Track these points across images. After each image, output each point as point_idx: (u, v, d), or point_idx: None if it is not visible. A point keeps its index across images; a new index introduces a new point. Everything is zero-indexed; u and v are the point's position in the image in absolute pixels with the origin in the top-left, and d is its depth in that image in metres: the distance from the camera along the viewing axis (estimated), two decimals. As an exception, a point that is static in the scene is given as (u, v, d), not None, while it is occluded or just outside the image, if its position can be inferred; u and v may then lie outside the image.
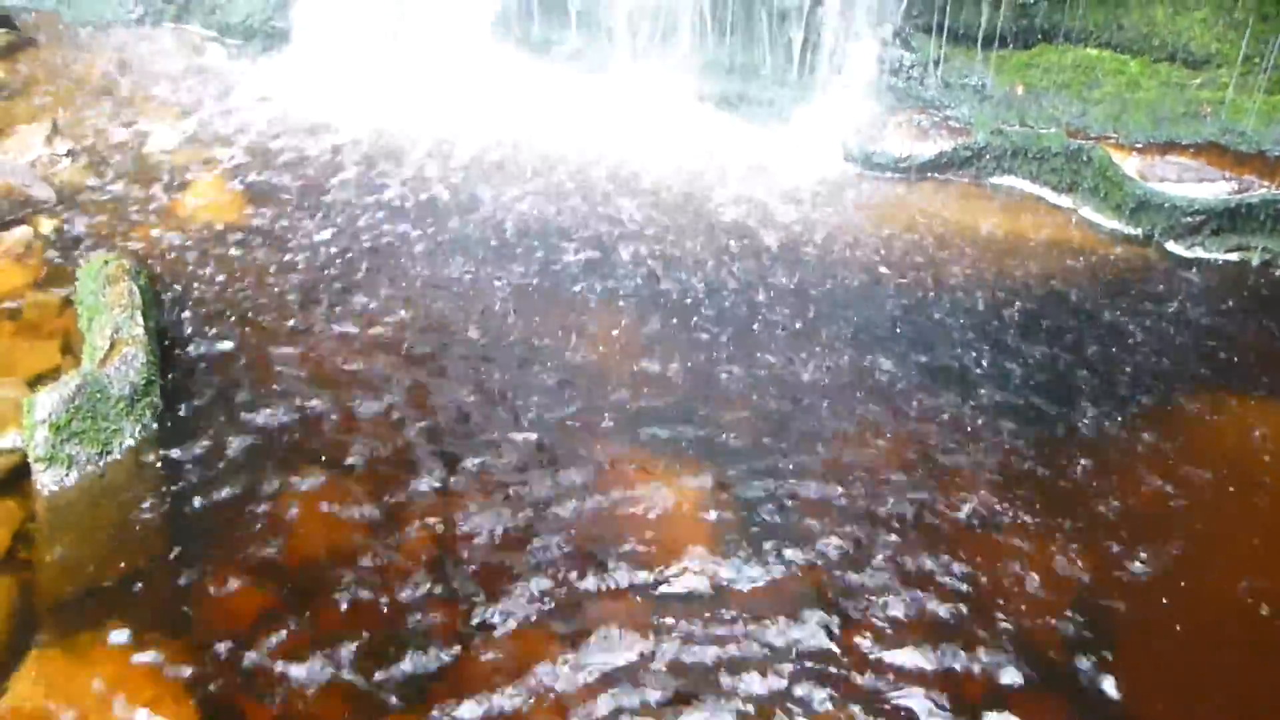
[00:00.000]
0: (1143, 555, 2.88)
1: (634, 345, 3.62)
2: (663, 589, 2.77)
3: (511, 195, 4.43)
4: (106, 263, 3.65)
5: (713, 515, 2.98)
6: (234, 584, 2.75)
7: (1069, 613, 2.73)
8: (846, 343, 3.65)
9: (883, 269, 4.02)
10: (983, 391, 3.44)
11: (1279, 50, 4.18)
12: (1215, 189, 4.15)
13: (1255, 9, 4.17)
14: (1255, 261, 4.10)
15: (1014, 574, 2.82)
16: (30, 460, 3.05)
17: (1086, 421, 3.33)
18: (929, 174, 4.56)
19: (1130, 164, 4.26)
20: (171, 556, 2.83)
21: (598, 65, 5.20)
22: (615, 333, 3.67)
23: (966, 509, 3.01)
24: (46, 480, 3.02)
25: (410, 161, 4.65)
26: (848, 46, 4.73)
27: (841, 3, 4.69)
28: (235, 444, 3.16)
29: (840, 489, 3.07)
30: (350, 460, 3.13)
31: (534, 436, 3.23)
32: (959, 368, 3.54)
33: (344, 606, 2.70)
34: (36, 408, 3.05)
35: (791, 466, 3.14)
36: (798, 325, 3.73)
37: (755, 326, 3.72)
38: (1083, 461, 3.17)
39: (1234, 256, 4.15)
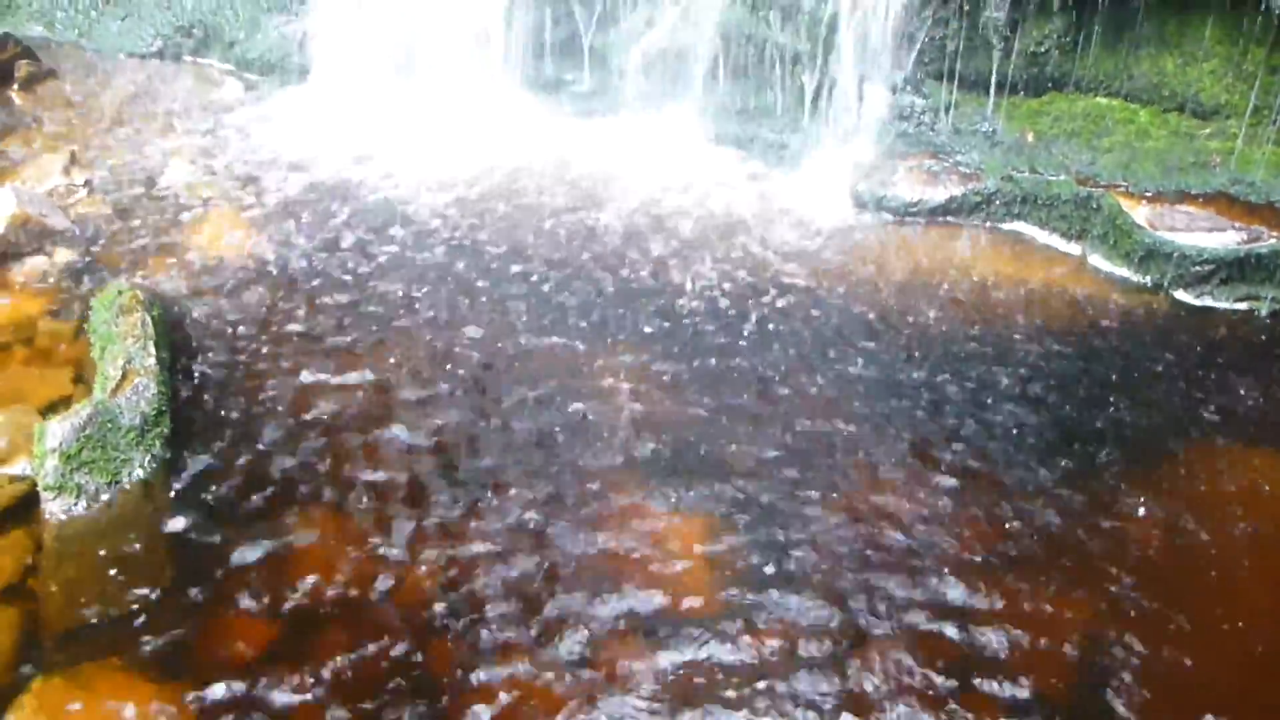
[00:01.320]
0: (1147, 606, 2.87)
1: (641, 385, 3.63)
2: (667, 636, 2.76)
3: (522, 234, 4.45)
4: (120, 293, 3.68)
5: (716, 557, 2.97)
6: (238, 618, 2.75)
7: (1074, 665, 2.71)
8: (853, 387, 3.66)
9: (891, 314, 4.03)
10: (988, 438, 3.43)
11: (1288, 102, 4.22)
12: (1224, 238, 4.16)
13: (1264, 61, 4.21)
14: (1264, 311, 4.11)
15: (1019, 627, 2.81)
16: (39, 489, 3.06)
17: (1092, 470, 3.32)
18: (939, 219, 4.59)
19: (1140, 212, 4.28)
20: (177, 588, 2.83)
21: (610, 106, 5.25)
22: (622, 372, 3.68)
23: (970, 557, 3.00)
24: (55, 509, 3.02)
25: (424, 198, 4.68)
26: (859, 91, 4.77)
27: (853, 48, 4.74)
28: (243, 477, 3.17)
29: (843, 535, 3.06)
30: (357, 496, 3.13)
31: (540, 475, 3.23)
32: (964, 414, 3.54)
33: (347, 644, 2.70)
34: (47, 436, 3.07)
35: (795, 510, 3.13)
36: (805, 367, 3.74)
37: (762, 369, 3.72)
38: (1087, 510, 3.17)
39: (1243, 306, 4.16)
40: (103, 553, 2.92)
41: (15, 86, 5.75)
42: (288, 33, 5.83)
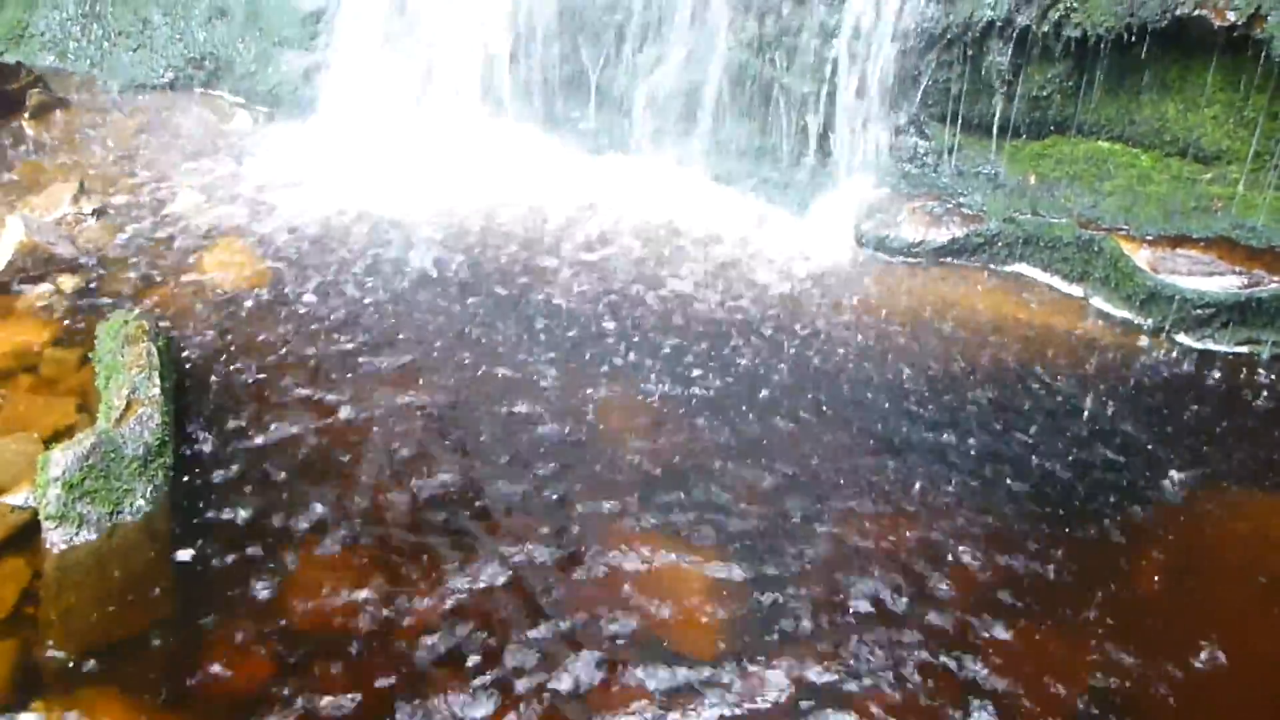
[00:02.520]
0: (1149, 655, 2.86)
1: (641, 420, 3.64)
2: (667, 681, 2.75)
3: (526, 271, 4.48)
4: (126, 323, 3.70)
5: (720, 603, 2.97)
6: (237, 652, 2.75)
7: (1075, 716, 2.71)
8: (851, 424, 3.67)
9: (892, 355, 4.05)
10: (986, 478, 3.44)
11: (1289, 148, 4.25)
12: (1225, 283, 4.18)
13: (1265, 108, 4.24)
14: (1265, 355, 4.12)
15: (1016, 673, 2.80)
16: (41, 517, 3.07)
17: (1093, 513, 3.32)
18: (942, 259, 4.61)
19: (1141, 256, 4.30)
20: (177, 619, 2.83)
21: (617, 143, 5.29)
22: (623, 406, 3.69)
23: (973, 604, 3.00)
24: (56, 538, 3.03)
25: (429, 233, 4.72)
26: (863, 132, 4.81)
27: (857, 90, 4.78)
28: (245, 509, 3.18)
29: (842, 577, 3.06)
30: (360, 530, 3.14)
31: (543, 510, 3.24)
32: (963, 453, 3.55)
33: (345, 678, 2.70)
34: (51, 465, 3.08)
35: (796, 553, 3.13)
36: (805, 404, 3.75)
37: (763, 404, 3.74)
38: (1087, 555, 3.17)
39: (1244, 349, 4.17)
40: (103, 582, 2.92)
41: (26, 115, 5.81)
42: (298, 66, 5.88)
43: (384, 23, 5.66)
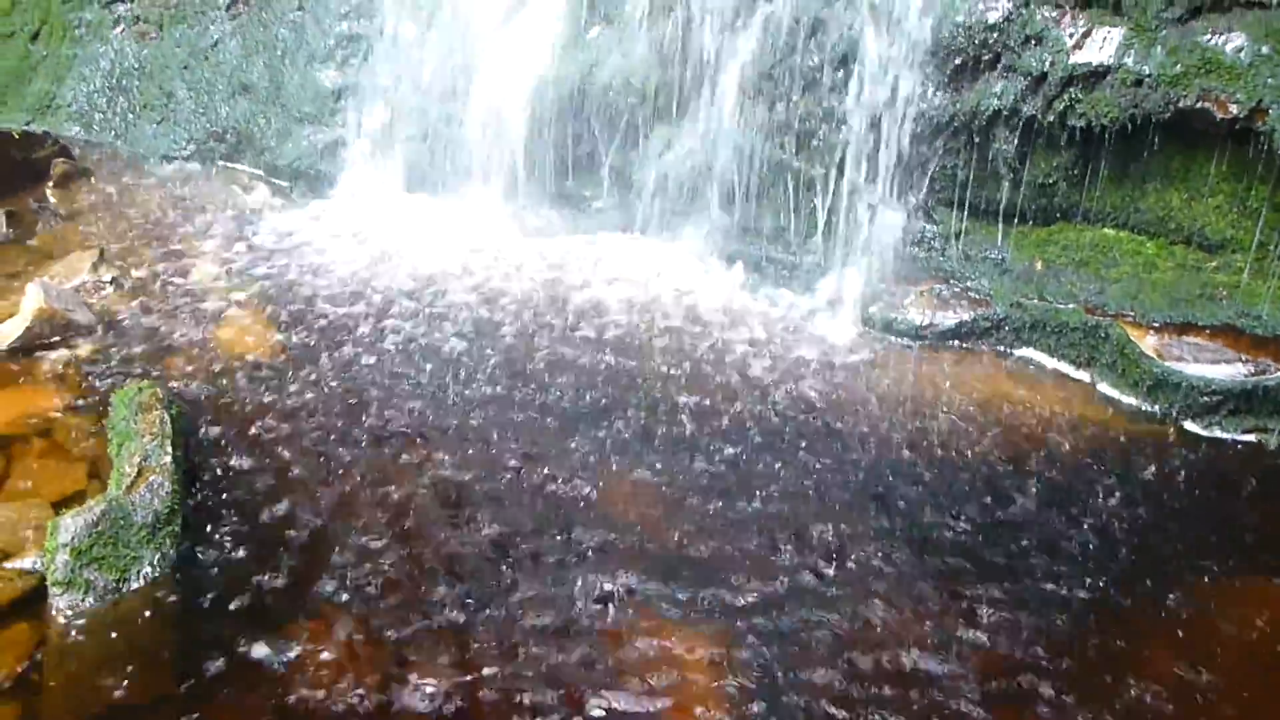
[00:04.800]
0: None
1: (647, 499, 3.65)
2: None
3: (536, 349, 4.53)
4: (140, 390, 3.74)
5: (724, 681, 2.96)
6: (240, 721, 2.74)
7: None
8: (856, 508, 3.67)
9: (897, 438, 4.07)
10: (992, 568, 3.43)
11: (1293, 238, 4.30)
12: (1231, 370, 4.21)
13: (1268, 199, 4.30)
14: (1272, 444, 4.12)
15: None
16: (48, 583, 3.07)
17: (1103, 604, 3.30)
18: (949, 343, 4.65)
19: (1147, 342, 4.33)
20: (180, 689, 2.82)
21: (628, 223, 5.37)
22: (628, 487, 3.71)
23: (980, 688, 2.98)
24: (62, 605, 3.04)
25: (443, 307, 4.78)
26: (872, 216, 4.88)
27: (866, 173, 4.86)
28: (252, 580, 3.18)
29: (847, 657, 3.05)
30: (365, 603, 3.14)
31: (550, 584, 3.24)
32: (969, 541, 3.54)
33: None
34: (60, 531, 3.10)
35: (800, 634, 3.12)
36: (811, 485, 3.76)
37: (770, 487, 3.75)
38: (1093, 645, 3.15)
39: (1251, 437, 4.17)
40: (108, 651, 2.92)
41: (50, 184, 5.91)
42: (318, 142, 6.00)
43: (401, 101, 5.80)
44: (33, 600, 3.07)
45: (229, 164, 6.28)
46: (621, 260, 5.22)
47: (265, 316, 4.63)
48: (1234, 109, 4.17)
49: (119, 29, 6.78)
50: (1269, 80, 4.10)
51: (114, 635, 2.97)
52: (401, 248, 5.27)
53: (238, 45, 6.42)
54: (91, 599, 3.06)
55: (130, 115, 6.58)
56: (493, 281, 5.02)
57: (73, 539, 3.07)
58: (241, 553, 3.29)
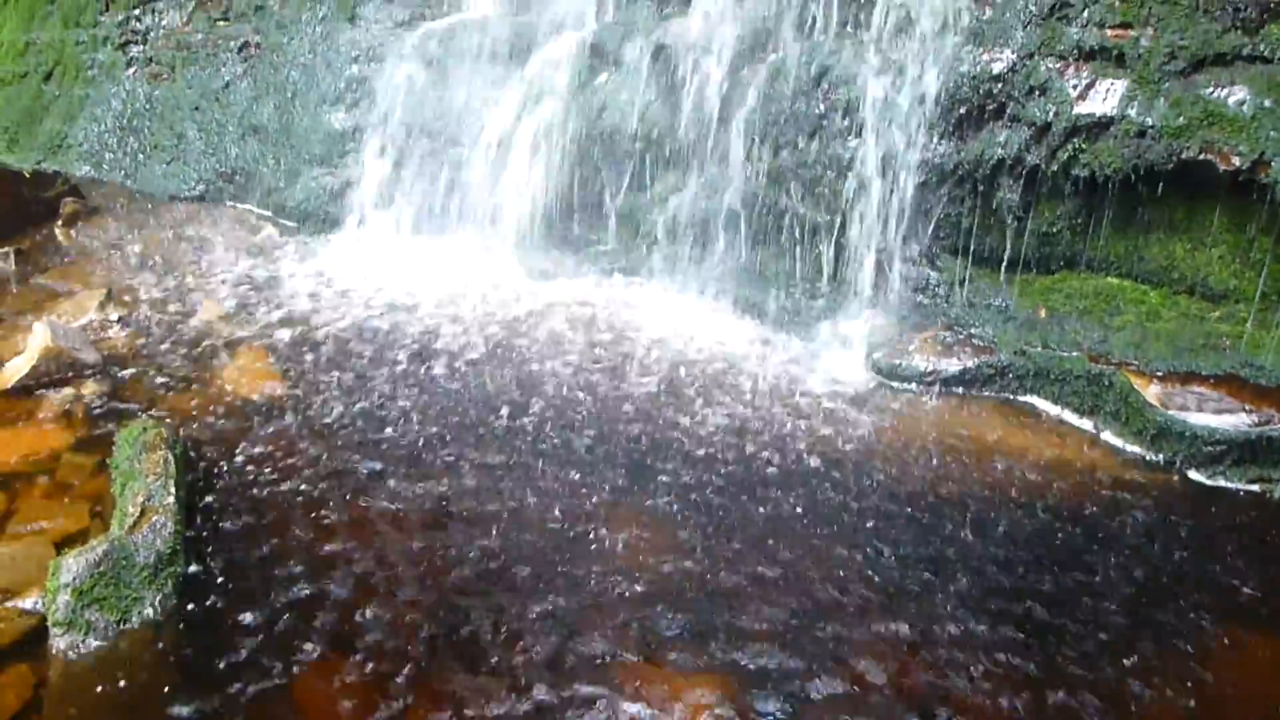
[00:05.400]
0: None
1: (649, 548, 3.64)
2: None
3: (540, 392, 4.53)
4: (145, 429, 3.75)
5: (725, 724, 2.94)
6: (238, 766, 2.73)
7: None
8: (858, 556, 3.66)
9: (901, 482, 4.06)
10: (993, 617, 3.41)
11: (1296, 288, 4.32)
12: (1235, 420, 4.20)
13: (1271, 250, 4.32)
14: (1277, 494, 4.11)
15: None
16: (49, 623, 3.06)
17: (1104, 655, 3.28)
18: (953, 389, 4.65)
19: (1151, 391, 4.33)
20: (178, 733, 2.81)
21: (634, 267, 5.40)
22: (630, 528, 3.70)
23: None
24: (63, 645, 3.02)
25: (449, 349, 4.79)
26: (876, 262, 4.90)
27: (870, 220, 4.89)
28: (253, 623, 3.17)
29: (850, 708, 3.03)
30: (368, 647, 3.12)
31: (551, 630, 3.22)
32: (970, 591, 3.52)
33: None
34: (62, 571, 3.09)
35: (804, 684, 3.11)
36: (813, 532, 3.75)
37: (772, 531, 3.74)
38: (1096, 696, 3.12)
39: (1255, 488, 4.16)
40: (107, 692, 2.91)
41: (60, 222, 5.97)
42: (326, 183, 6.05)
43: (410, 143, 5.85)
44: (33, 640, 3.06)
45: (237, 204, 6.33)
46: (627, 304, 5.24)
47: (271, 357, 4.65)
48: (1236, 161, 4.20)
49: (131, 70, 6.87)
50: (1271, 133, 4.14)
51: (114, 676, 2.96)
52: (407, 289, 5.30)
53: (249, 87, 6.49)
54: (92, 640, 3.05)
55: (140, 155, 6.65)
56: (498, 324, 5.04)
57: (74, 579, 3.07)
58: (243, 594, 3.28)
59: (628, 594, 3.40)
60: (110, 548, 3.15)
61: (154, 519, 3.30)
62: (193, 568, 3.34)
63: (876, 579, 3.55)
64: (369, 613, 3.25)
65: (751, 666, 3.14)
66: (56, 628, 3.05)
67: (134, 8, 7.08)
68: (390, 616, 3.25)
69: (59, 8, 7.36)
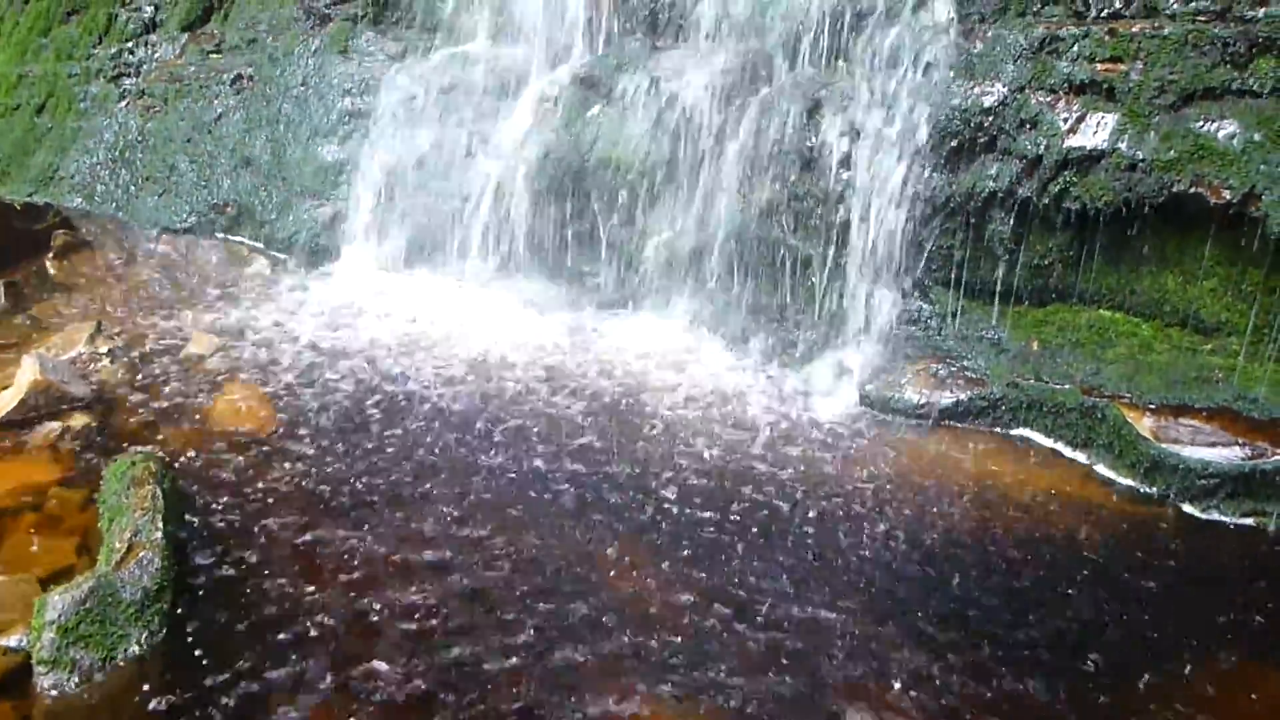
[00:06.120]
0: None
1: (639, 576, 3.62)
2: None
3: (531, 425, 4.51)
4: (134, 464, 3.71)
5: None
6: (224, 808, 2.68)
7: None
8: (851, 588, 3.63)
9: (893, 516, 4.04)
10: (985, 650, 3.38)
11: (1287, 321, 4.32)
12: (1229, 453, 4.19)
13: (1262, 283, 4.33)
14: (1271, 528, 4.10)
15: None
16: (33, 661, 3.02)
17: (1098, 690, 3.26)
18: (946, 422, 4.64)
19: (1144, 424, 4.32)
20: (163, 774, 2.77)
21: (626, 299, 5.41)
22: (620, 564, 3.67)
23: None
24: (47, 684, 2.98)
25: (438, 384, 4.77)
26: (868, 294, 4.91)
27: (862, 253, 4.90)
28: (239, 661, 3.13)
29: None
30: (357, 690, 3.08)
31: (544, 667, 3.19)
32: (962, 624, 3.49)
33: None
34: (47, 608, 3.05)
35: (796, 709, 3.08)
36: (804, 566, 3.72)
37: (762, 565, 3.71)
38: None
39: (1249, 521, 4.15)
40: (91, 732, 2.87)
41: (50, 255, 5.95)
42: (318, 216, 6.05)
43: (402, 176, 5.85)
44: (17, 679, 3.01)
45: (229, 236, 6.32)
46: (619, 335, 5.23)
47: (260, 390, 4.62)
48: (1227, 194, 4.22)
49: (124, 103, 6.88)
50: (1261, 167, 4.16)
51: (98, 717, 2.91)
52: (399, 322, 5.29)
53: (241, 119, 6.51)
54: (77, 678, 3.00)
55: (132, 187, 6.65)
56: (490, 357, 5.02)
57: (59, 616, 3.03)
58: (229, 632, 3.24)
59: (625, 624, 3.37)
60: (96, 584, 3.12)
61: (141, 555, 3.27)
62: (180, 605, 3.30)
63: (858, 606, 3.52)
64: (359, 655, 3.21)
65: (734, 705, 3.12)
66: (41, 666, 3.00)
67: (127, 41, 7.11)
68: (380, 654, 3.21)
69: (53, 41, 7.39)
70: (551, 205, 5.48)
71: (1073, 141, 4.49)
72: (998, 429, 4.62)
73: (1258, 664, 3.44)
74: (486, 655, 3.22)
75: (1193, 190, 4.29)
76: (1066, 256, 4.67)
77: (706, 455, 4.34)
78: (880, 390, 4.74)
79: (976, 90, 4.67)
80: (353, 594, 3.45)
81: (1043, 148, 4.51)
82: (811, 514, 4.02)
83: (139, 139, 6.75)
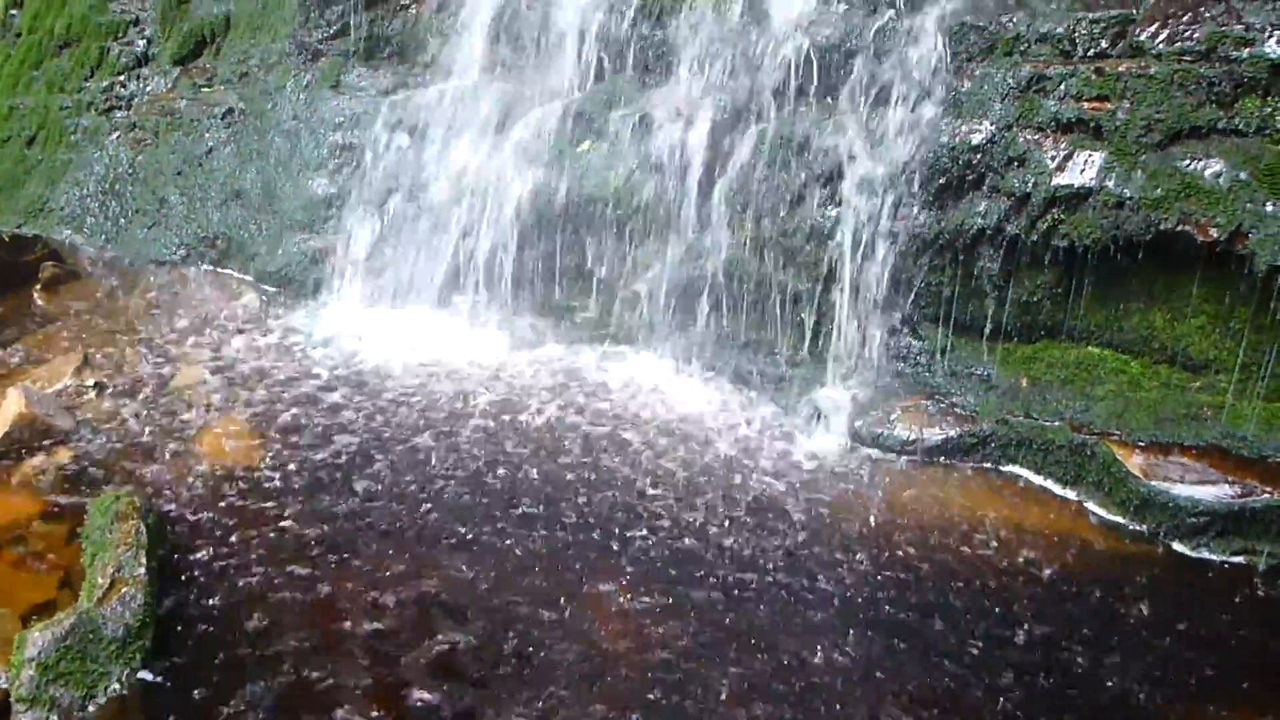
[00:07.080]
0: None
1: (626, 614, 3.59)
2: None
3: (519, 463, 4.50)
4: (118, 498, 3.68)
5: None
6: None
7: None
8: (839, 629, 3.61)
9: (882, 553, 4.02)
10: (972, 692, 3.36)
11: (1275, 359, 4.32)
12: (1218, 491, 4.19)
13: (1250, 320, 4.34)
14: (1261, 566, 4.09)
15: None
16: (12, 699, 2.98)
17: (1093, 726, 3.24)
18: (935, 459, 4.63)
19: (1134, 461, 4.32)
20: (141, 815, 2.72)
21: (615, 335, 5.40)
22: (607, 602, 3.64)
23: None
24: (25, 723, 2.94)
25: (428, 417, 4.75)
26: (858, 331, 4.91)
27: (852, 289, 4.91)
28: (222, 699, 3.09)
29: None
30: (338, 721, 3.06)
31: (532, 706, 3.16)
32: (950, 664, 3.47)
33: None
34: (27, 645, 3.01)
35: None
36: (792, 605, 3.70)
37: (750, 603, 3.69)
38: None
39: (1239, 559, 4.14)
40: (69, 772, 2.83)
41: (39, 287, 5.93)
42: (308, 249, 6.05)
43: (392, 210, 5.86)
44: (-4, 717, 2.98)
45: (218, 269, 6.31)
46: (608, 371, 5.23)
47: (247, 425, 4.60)
48: (1214, 232, 4.24)
49: (115, 135, 6.88)
50: (1248, 205, 4.18)
51: (77, 756, 2.88)
52: (388, 356, 5.27)
53: (232, 153, 6.51)
54: (56, 717, 2.96)
55: (122, 219, 6.64)
56: (479, 393, 5.00)
57: (39, 653, 2.99)
58: (210, 669, 3.20)
59: (610, 666, 3.34)
60: (77, 621, 3.08)
61: (124, 591, 3.23)
62: (163, 641, 3.26)
63: (847, 647, 3.50)
64: (340, 687, 3.17)
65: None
66: (20, 704, 2.96)
67: (119, 74, 7.12)
68: (365, 692, 3.17)
69: (44, 73, 7.40)
70: (541, 240, 5.49)
71: (1060, 179, 4.51)
72: (988, 466, 4.61)
73: (1246, 707, 3.42)
74: (470, 699, 3.19)
75: (1180, 228, 4.31)
76: (1055, 294, 4.68)
77: (691, 488, 4.32)
78: (870, 427, 4.73)
79: (965, 128, 4.70)
80: (338, 631, 3.42)
81: (1031, 185, 4.53)
82: (799, 549, 4.00)
83: (129, 171, 6.75)
